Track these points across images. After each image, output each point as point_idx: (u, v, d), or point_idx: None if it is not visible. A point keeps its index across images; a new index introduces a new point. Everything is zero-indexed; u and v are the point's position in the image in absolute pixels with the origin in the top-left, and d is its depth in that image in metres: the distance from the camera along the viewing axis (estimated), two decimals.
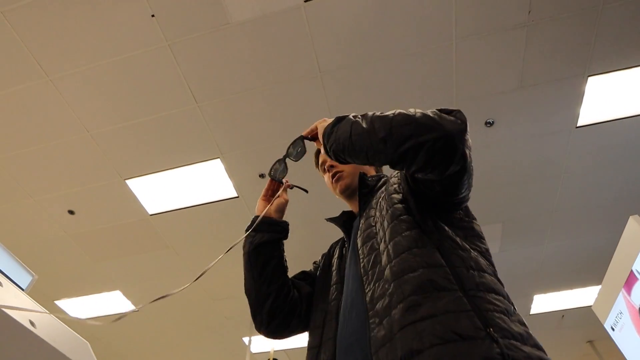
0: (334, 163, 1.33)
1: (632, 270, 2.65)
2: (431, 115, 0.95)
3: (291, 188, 1.45)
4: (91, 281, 4.87)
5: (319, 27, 2.93)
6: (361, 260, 1.08)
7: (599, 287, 3.20)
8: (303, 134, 1.32)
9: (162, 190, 3.94)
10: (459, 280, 0.90)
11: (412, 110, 0.98)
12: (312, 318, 1.24)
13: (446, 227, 1.02)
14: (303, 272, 1.42)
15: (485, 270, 0.95)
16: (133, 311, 0.97)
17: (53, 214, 4.10)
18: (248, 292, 1.29)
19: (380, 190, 1.22)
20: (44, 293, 4.93)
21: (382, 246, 1.04)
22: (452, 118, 0.94)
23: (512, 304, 0.93)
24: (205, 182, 3.89)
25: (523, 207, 4.19)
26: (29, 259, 4.27)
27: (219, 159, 3.70)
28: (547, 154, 3.70)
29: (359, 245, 1.13)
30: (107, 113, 3.35)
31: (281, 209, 1.38)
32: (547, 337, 6.00)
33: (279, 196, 1.39)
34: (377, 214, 1.13)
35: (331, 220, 1.37)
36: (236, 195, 3.97)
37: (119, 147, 3.58)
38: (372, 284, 1.00)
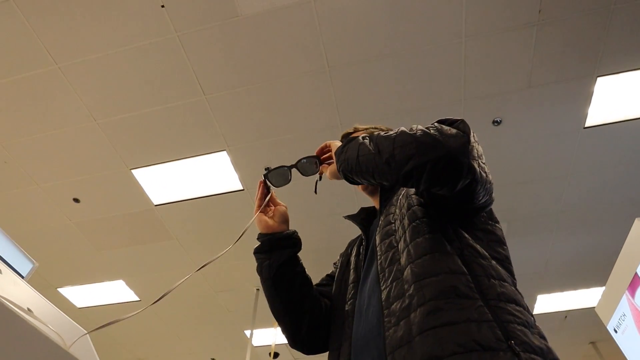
0: None
1: (636, 273, 2.64)
2: (432, 132, 0.93)
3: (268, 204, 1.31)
4: (95, 270, 4.90)
5: (329, 22, 2.92)
6: (378, 257, 1.07)
7: (603, 288, 3.20)
8: (315, 152, 1.30)
9: (168, 181, 3.95)
10: (480, 289, 0.89)
11: (413, 128, 0.97)
12: (332, 318, 1.20)
13: (466, 235, 1.00)
14: (327, 276, 1.38)
15: (505, 280, 0.94)
16: (135, 314, 0.97)
17: (58, 201, 4.12)
18: (280, 318, 1.22)
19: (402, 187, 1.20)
20: (47, 280, 4.96)
21: (401, 245, 1.03)
22: (453, 132, 0.92)
23: (532, 316, 0.91)
24: (211, 174, 3.90)
25: (529, 207, 4.17)
26: (33, 246, 4.31)
27: (225, 151, 3.70)
28: (554, 154, 3.69)
29: (377, 241, 1.11)
30: (115, 102, 3.36)
31: (285, 219, 1.29)
32: (549, 338, 5.70)
33: (272, 205, 1.30)
34: (397, 211, 1.12)
35: (349, 217, 1.35)
36: (242, 188, 3.98)
37: (126, 137, 3.59)
38: (388, 281, 0.99)
